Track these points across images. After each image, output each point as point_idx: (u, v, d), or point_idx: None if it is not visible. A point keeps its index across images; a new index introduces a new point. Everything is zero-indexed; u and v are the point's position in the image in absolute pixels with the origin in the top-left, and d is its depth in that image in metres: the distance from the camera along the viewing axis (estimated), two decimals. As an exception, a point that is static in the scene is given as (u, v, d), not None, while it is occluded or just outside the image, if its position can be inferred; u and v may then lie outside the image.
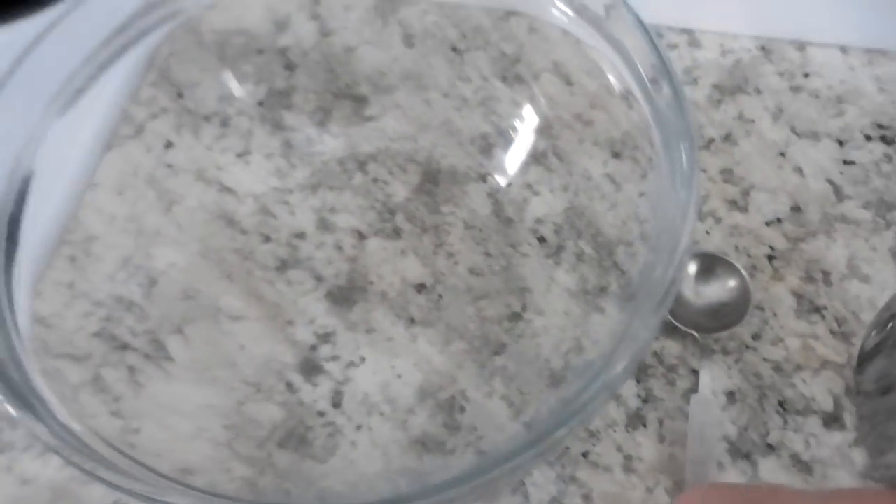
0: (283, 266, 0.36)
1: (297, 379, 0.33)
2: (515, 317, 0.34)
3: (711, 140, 0.39)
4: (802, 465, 0.32)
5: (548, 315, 0.34)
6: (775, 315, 0.35)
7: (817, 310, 0.35)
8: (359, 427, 0.32)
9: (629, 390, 0.34)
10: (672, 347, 0.35)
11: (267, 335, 0.34)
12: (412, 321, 0.34)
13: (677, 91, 0.31)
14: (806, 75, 0.41)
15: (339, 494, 0.31)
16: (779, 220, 0.38)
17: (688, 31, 0.42)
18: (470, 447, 0.32)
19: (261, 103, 0.41)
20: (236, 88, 0.41)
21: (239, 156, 0.39)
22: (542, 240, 0.36)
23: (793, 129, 0.40)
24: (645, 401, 0.34)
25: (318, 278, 0.36)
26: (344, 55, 0.41)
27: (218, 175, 0.38)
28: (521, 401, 0.33)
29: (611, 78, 0.35)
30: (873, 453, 0.31)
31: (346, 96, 0.40)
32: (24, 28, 0.44)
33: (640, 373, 0.35)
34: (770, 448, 0.32)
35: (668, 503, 0.32)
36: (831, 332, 0.35)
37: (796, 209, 0.38)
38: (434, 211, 0.37)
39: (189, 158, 0.39)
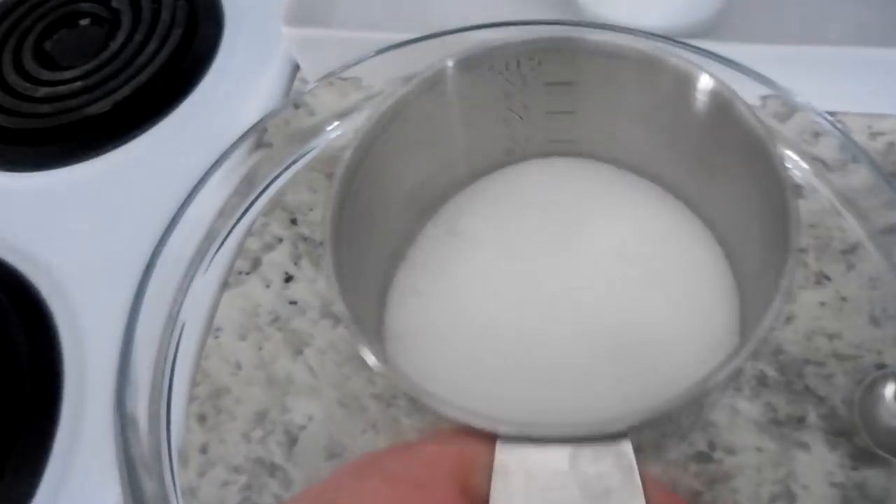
0: (430, 410, 0.33)
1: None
2: (703, 457, 0.30)
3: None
4: None
5: (739, 453, 0.30)
6: None
7: None
8: None
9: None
10: (875, 478, 0.31)
11: (427, 496, 0.31)
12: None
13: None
14: (963, 150, 0.38)
15: None
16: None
17: (830, 114, 0.39)
18: None
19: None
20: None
21: (364, 285, 0.36)
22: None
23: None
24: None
25: (471, 421, 0.32)
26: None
27: (345, 309, 0.35)
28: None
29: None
30: None
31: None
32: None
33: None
34: None
35: None
36: None
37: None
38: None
39: (311, 292, 0.36)
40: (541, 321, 0.26)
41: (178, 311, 0.30)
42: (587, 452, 0.18)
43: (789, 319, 0.32)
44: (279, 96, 0.42)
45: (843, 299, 0.32)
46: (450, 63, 0.25)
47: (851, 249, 0.33)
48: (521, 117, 0.27)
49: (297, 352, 0.34)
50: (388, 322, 0.28)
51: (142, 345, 0.29)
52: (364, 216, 0.25)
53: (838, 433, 0.29)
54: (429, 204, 0.29)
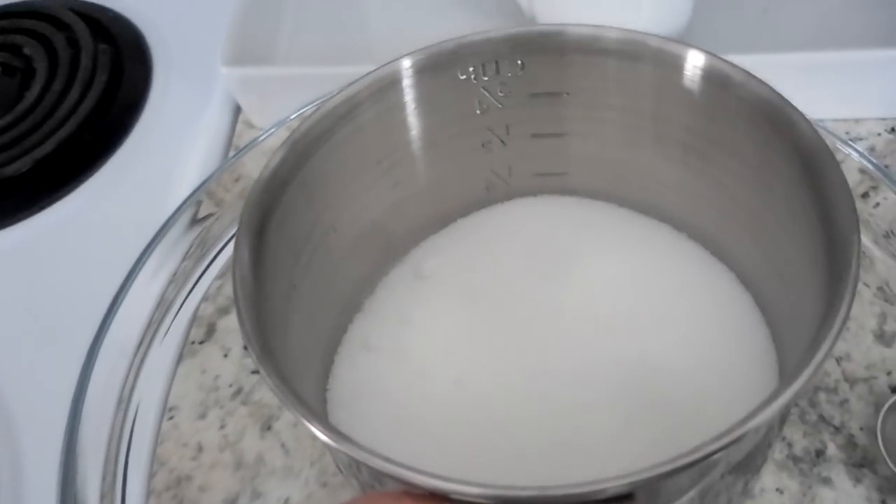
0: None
1: None
2: None
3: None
4: None
5: (758, 496, 0.28)
6: None
7: None
8: None
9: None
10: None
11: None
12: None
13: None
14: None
15: None
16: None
17: (803, 121, 0.38)
18: None
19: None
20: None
21: (333, 344, 0.33)
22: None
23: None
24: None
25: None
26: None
27: (315, 374, 0.32)
28: None
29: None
30: None
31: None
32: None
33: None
34: None
35: None
36: None
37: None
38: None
39: (275, 357, 0.32)
40: (523, 378, 0.22)
41: (131, 394, 0.27)
42: None
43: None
44: (220, 142, 0.39)
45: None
46: (406, 63, 0.20)
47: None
48: (502, 141, 0.24)
49: (266, 427, 0.31)
50: (331, 384, 0.23)
51: (88, 440, 0.25)
52: (302, 251, 0.20)
53: (860, 464, 0.28)
54: (393, 245, 0.25)
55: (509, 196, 0.25)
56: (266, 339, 0.17)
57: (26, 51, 0.43)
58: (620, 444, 0.20)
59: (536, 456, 0.20)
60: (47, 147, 0.38)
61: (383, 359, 0.23)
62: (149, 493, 0.29)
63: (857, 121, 0.37)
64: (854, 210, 0.18)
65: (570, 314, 0.23)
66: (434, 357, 0.23)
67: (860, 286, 0.31)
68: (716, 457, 0.14)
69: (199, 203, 0.30)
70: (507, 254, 0.25)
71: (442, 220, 0.26)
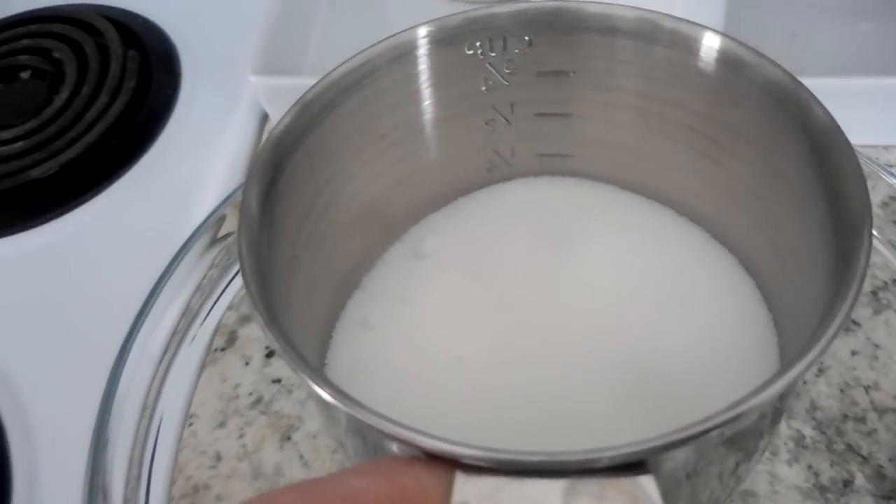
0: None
1: None
2: (746, 532, 0.28)
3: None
4: None
5: (784, 524, 0.28)
6: None
7: None
8: None
9: None
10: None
11: None
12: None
13: None
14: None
15: None
16: None
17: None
18: None
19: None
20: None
21: (354, 356, 0.33)
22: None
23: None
24: None
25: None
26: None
27: (336, 385, 0.32)
28: None
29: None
30: None
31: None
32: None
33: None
34: None
35: None
36: None
37: None
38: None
39: (296, 367, 0.32)
40: (523, 356, 0.22)
41: (156, 402, 0.26)
42: (589, 488, 0.13)
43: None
44: (247, 150, 0.39)
45: (876, 346, 0.30)
46: (422, 32, 0.21)
47: (877, 290, 0.31)
48: (507, 120, 0.23)
49: (285, 437, 0.30)
50: (329, 361, 0.23)
51: (114, 445, 0.25)
52: (304, 223, 0.20)
53: (889, 496, 0.27)
54: (393, 223, 0.25)
55: (511, 177, 0.25)
56: (272, 306, 0.17)
57: (56, 55, 0.43)
58: (618, 421, 0.20)
59: (536, 433, 0.20)
60: (74, 151, 0.38)
61: (382, 336, 0.23)
62: (169, 500, 0.29)
63: (887, 147, 0.36)
64: (865, 187, 0.18)
65: (569, 294, 0.23)
66: (434, 335, 0.22)
67: (890, 315, 0.31)
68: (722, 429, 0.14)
69: (222, 217, 0.30)
70: (508, 233, 0.25)
71: (443, 199, 0.26)
